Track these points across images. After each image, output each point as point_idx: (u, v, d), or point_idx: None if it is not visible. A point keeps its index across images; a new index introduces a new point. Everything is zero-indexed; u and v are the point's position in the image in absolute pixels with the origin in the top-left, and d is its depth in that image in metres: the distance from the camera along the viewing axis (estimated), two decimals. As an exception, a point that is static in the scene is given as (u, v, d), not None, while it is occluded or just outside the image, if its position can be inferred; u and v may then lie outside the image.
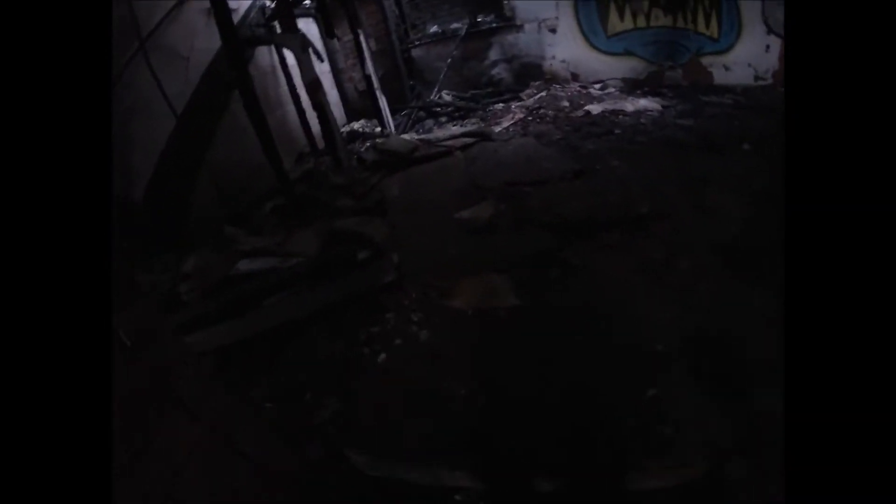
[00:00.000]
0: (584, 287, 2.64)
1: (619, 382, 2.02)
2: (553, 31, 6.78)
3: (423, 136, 5.30)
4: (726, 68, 7.39)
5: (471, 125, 5.72)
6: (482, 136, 5.10)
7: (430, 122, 6.05)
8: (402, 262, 2.96)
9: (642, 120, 5.49)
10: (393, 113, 6.04)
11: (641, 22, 6.97)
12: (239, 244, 3.57)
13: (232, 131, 4.42)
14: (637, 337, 2.24)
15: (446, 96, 6.75)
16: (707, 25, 7.21)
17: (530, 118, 5.64)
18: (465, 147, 4.92)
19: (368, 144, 5.39)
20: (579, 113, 5.64)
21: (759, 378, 1.96)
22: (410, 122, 6.17)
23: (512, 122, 5.52)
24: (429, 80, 6.86)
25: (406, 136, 5.41)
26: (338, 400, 2.15)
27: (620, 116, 5.60)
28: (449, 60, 6.81)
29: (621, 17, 6.90)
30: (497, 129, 5.40)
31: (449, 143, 5.02)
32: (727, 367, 2.05)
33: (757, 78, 7.70)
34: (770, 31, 7.66)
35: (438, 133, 5.47)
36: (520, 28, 6.78)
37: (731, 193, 3.61)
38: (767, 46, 7.71)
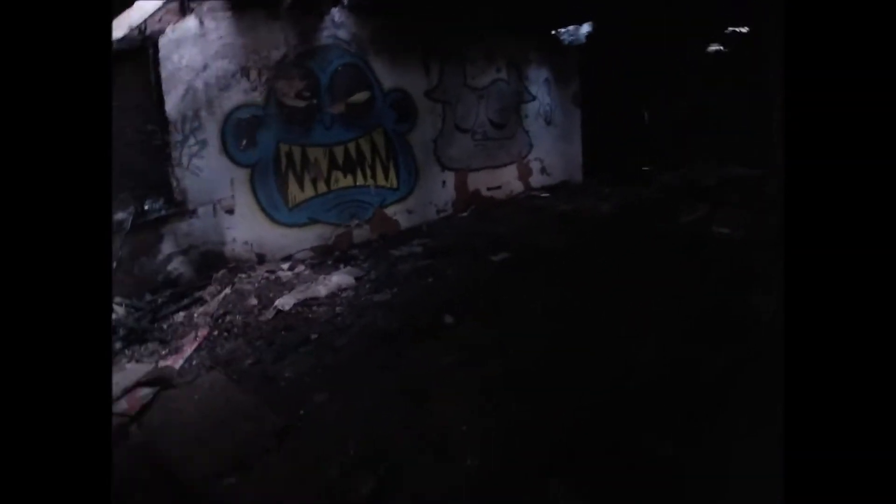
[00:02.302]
0: None
1: None
2: (230, 211, 6.38)
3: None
4: (409, 212, 8.02)
5: (148, 355, 4.94)
6: (161, 382, 4.39)
7: (96, 357, 5.06)
8: None
9: (338, 308, 5.43)
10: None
11: (322, 187, 7.09)
12: None
13: None
14: None
15: (118, 307, 5.77)
16: (386, 178, 7.74)
17: (216, 332, 5.11)
18: (143, 408, 4.13)
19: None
20: (270, 314, 5.31)
21: None
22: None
23: (196, 345, 4.92)
24: (92, 288, 5.79)
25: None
26: None
27: (315, 307, 5.46)
28: (115, 263, 5.88)
29: (301, 186, 6.90)
30: (179, 361, 4.74)
31: (123, 404, 4.17)
32: None
33: (438, 211, 8.55)
34: (444, 167, 8.63)
35: (113, 379, 4.57)
36: (193, 213, 6.20)
37: (452, 392, 3.67)
38: (444, 182, 8.67)
